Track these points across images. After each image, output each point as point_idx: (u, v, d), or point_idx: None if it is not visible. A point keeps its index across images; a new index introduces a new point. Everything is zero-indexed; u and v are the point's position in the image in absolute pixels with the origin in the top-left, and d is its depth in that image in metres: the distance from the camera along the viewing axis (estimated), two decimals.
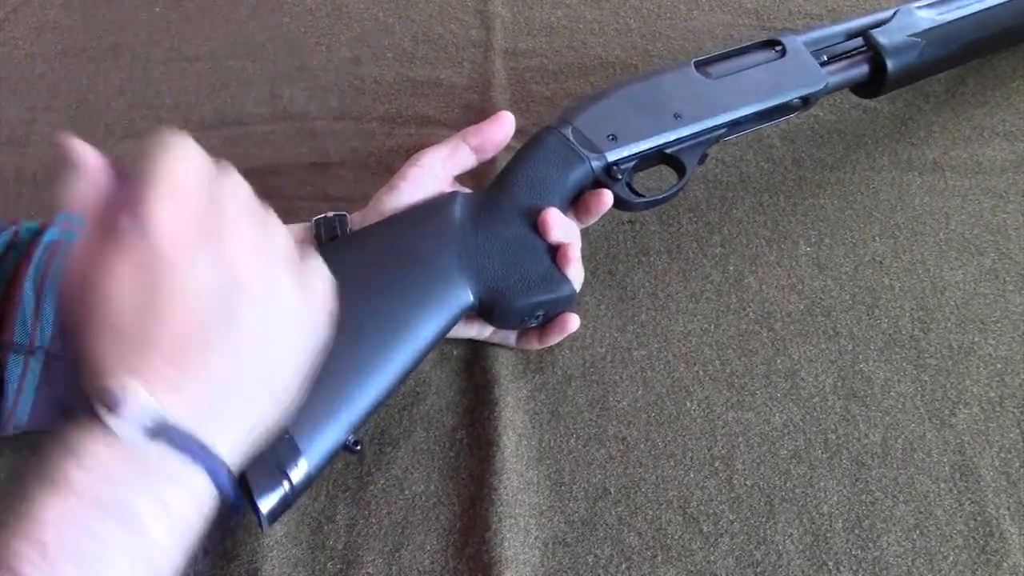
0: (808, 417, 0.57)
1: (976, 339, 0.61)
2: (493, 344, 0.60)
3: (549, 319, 0.58)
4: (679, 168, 0.62)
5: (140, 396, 0.34)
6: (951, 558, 0.51)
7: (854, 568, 0.51)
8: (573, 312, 0.58)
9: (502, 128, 0.59)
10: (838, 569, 0.51)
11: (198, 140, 0.82)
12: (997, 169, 0.71)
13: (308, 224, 0.57)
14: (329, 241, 0.56)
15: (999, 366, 0.59)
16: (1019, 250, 0.65)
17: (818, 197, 0.69)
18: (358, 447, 0.50)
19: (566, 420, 0.57)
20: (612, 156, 0.59)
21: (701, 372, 0.59)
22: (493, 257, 0.55)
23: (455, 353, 0.60)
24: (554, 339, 0.58)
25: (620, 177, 0.60)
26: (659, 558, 0.52)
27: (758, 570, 0.51)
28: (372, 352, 0.50)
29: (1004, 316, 0.62)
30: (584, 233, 0.61)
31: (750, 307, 0.63)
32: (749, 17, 0.84)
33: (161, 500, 0.35)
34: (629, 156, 0.60)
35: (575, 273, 0.56)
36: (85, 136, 0.75)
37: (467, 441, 0.56)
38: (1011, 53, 0.79)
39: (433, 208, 0.56)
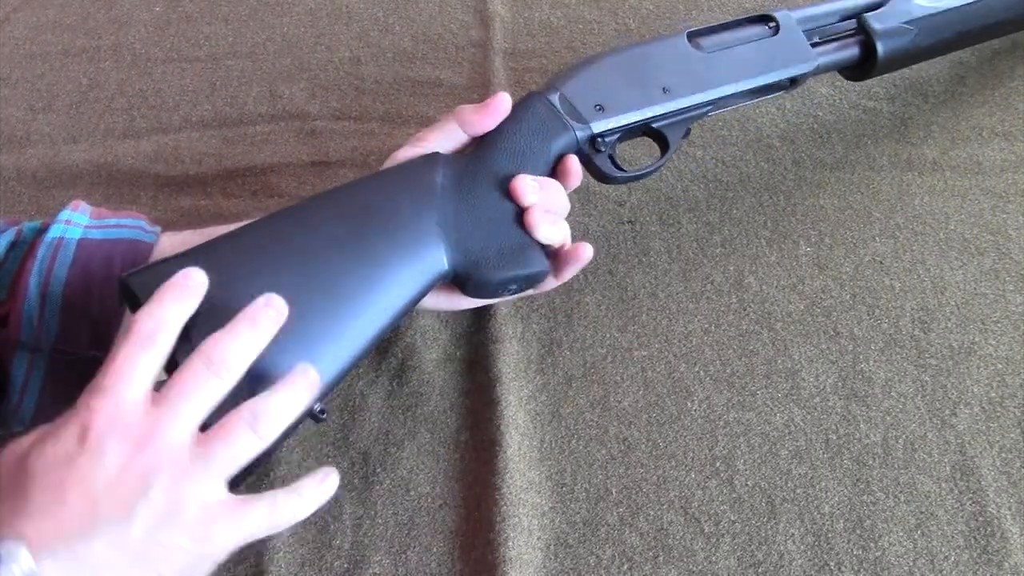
0: (809, 417, 0.57)
1: (977, 339, 0.61)
2: (499, 301, 0.59)
3: (523, 290, 0.56)
4: (663, 143, 0.61)
5: (24, 561, 0.36)
6: (952, 558, 0.51)
7: (855, 568, 0.51)
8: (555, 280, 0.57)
9: (496, 117, 0.57)
10: (840, 569, 0.51)
11: (198, 140, 0.82)
12: (997, 169, 0.71)
13: None
14: None
15: (1000, 366, 0.59)
16: (1019, 250, 0.66)
17: (818, 197, 0.69)
18: (324, 415, 0.47)
19: (567, 421, 0.57)
20: (597, 127, 0.58)
21: (702, 372, 0.59)
22: (472, 227, 0.53)
23: (458, 354, 0.60)
24: (570, 273, 0.57)
25: (603, 149, 0.59)
26: (660, 559, 0.52)
27: (760, 570, 0.51)
28: (342, 314, 0.49)
29: (1004, 316, 0.62)
30: (584, 233, 0.61)
31: (750, 307, 0.63)
32: None
33: None
34: (615, 128, 0.59)
35: (549, 232, 0.54)
36: (85, 136, 0.76)
37: (471, 442, 0.56)
38: (1010, 53, 0.79)
39: (414, 169, 0.54)
